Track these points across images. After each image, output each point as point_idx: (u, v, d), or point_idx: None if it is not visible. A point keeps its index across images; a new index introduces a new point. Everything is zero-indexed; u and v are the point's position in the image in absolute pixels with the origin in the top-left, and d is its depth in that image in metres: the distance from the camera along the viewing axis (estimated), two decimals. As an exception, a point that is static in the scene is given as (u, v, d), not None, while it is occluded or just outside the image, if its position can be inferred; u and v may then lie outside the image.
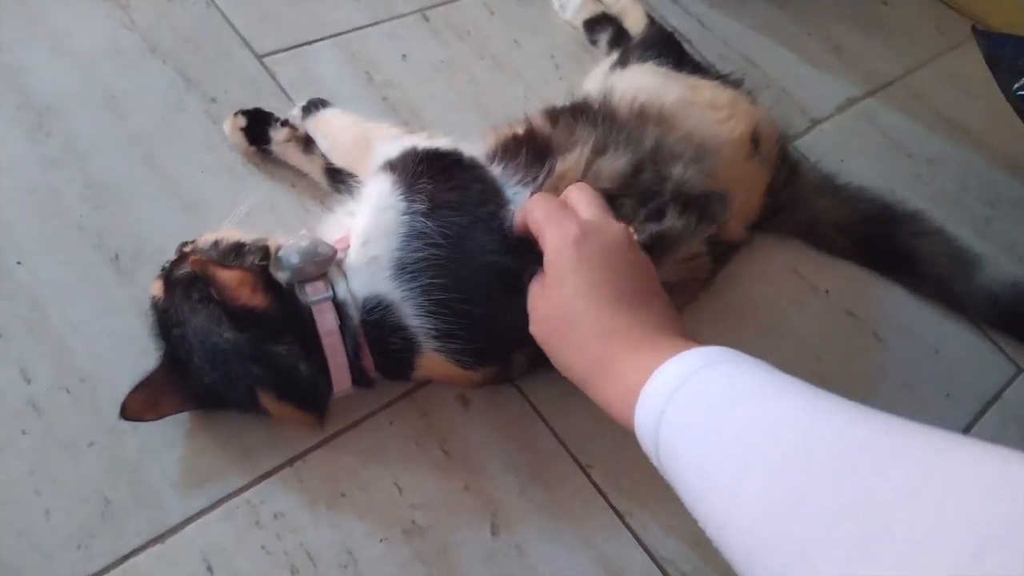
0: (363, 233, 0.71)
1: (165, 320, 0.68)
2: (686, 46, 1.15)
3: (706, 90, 0.92)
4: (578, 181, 0.73)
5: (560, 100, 0.93)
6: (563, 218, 0.66)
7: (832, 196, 0.98)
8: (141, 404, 0.66)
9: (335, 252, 0.70)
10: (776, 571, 0.39)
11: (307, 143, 0.89)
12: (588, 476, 0.79)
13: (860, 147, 1.18)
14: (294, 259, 0.69)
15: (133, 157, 0.88)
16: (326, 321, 0.68)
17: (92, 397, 0.72)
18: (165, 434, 0.71)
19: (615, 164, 0.77)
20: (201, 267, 0.65)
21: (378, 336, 0.70)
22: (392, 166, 0.74)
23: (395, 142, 0.79)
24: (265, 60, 1.00)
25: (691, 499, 0.47)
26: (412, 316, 0.69)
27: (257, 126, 0.89)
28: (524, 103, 1.06)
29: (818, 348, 0.93)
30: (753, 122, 0.89)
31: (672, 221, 0.77)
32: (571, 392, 0.81)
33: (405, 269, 0.68)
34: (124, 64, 0.95)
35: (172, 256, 0.73)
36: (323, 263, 0.69)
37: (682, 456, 0.48)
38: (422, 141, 0.78)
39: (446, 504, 0.74)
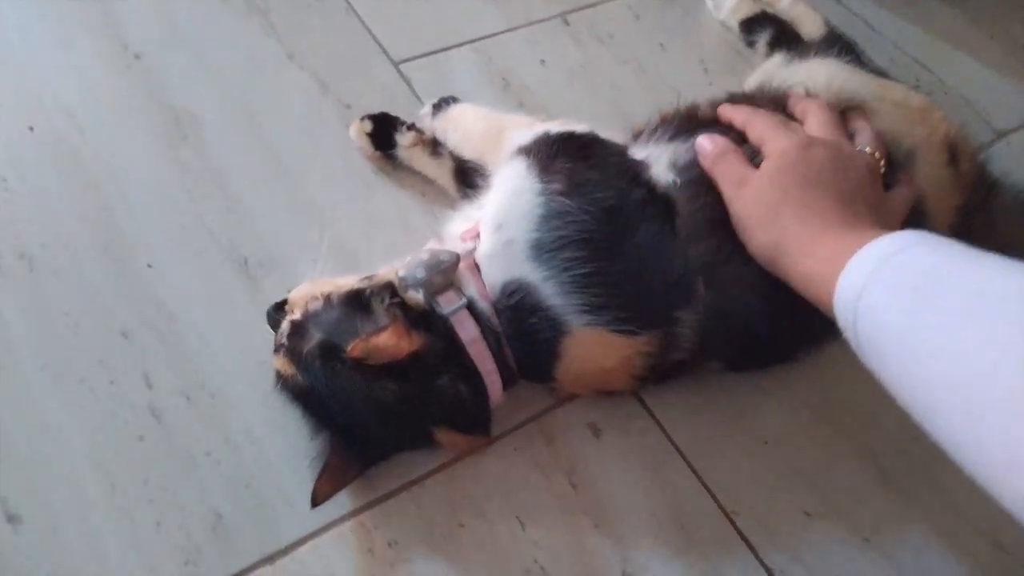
0: (495, 218, 0.68)
1: (313, 398, 0.64)
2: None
3: (897, 89, 0.82)
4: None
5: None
6: (792, 129, 0.68)
7: (1027, 220, 0.85)
8: (329, 489, 0.64)
9: (457, 257, 0.67)
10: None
11: (434, 146, 0.85)
12: (733, 523, 0.71)
13: (1055, 163, 1.03)
14: (420, 274, 0.66)
15: (265, 162, 0.87)
16: (467, 330, 0.65)
17: (211, 406, 0.70)
18: (282, 449, 0.68)
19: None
20: (363, 351, 0.60)
21: (518, 322, 0.66)
22: (526, 150, 0.71)
23: (528, 129, 0.75)
24: (401, 67, 0.98)
25: (892, 374, 0.49)
26: (555, 295, 0.65)
27: (383, 131, 0.86)
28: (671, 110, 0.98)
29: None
30: (949, 132, 0.80)
31: None
32: (716, 426, 0.76)
33: (543, 249, 0.65)
34: (261, 69, 0.94)
35: (277, 324, 0.68)
36: (448, 270, 0.66)
37: (887, 329, 0.49)
38: (556, 126, 0.75)
39: (572, 544, 0.67)
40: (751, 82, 0.91)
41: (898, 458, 0.75)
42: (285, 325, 0.66)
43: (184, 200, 0.82)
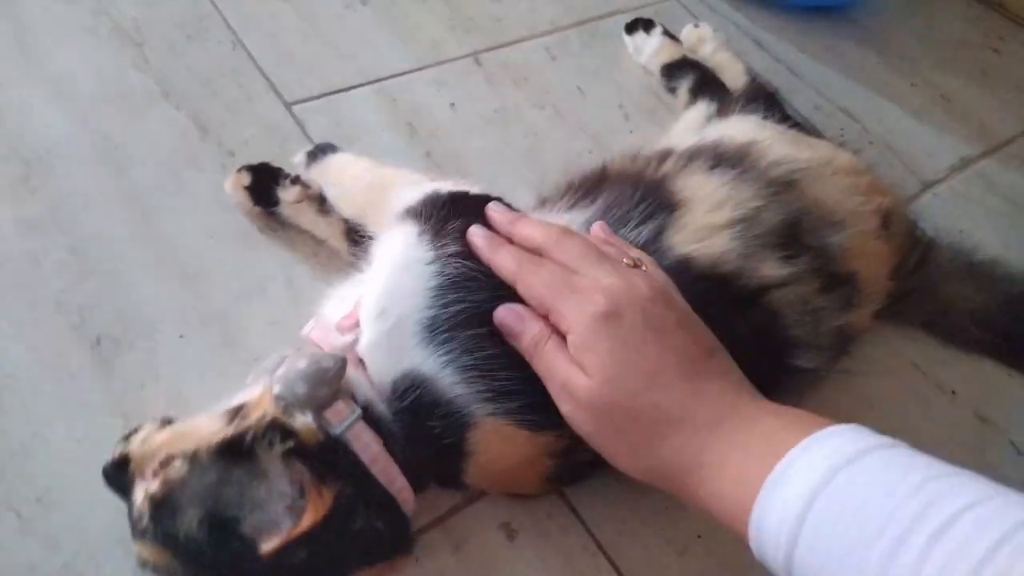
0: (378, 300, 0.58)
1: None
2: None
3: (823, 148, 0.77)
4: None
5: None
6: (573, 287, 0.55)
7: (969, 280, 0.82)
8: None
9: (343, 360, 0.56)
10: None
11: (322, 202, 0.75)
12: None
13: (981, 214, 1.02)
14: (301, 389, 0.53)
15: (130, 218, 0.75)
16: (367, 448, 0.55)
17: (47, 524, 0.58)
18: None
19: (771, 216, 0.64)
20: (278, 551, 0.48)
21: (417, 425, 0.56)
22: (415, 213, 0.63)
23: (416, 188, 0.67)
24: (294, 108, 0.88)
25: None
26: (455, 384, 0.56)
27: (264, 184, 0.76)
28: (588, 158, 0.91)
29: (943, 458, 0.75)
30: (882, 202, 0.75)
31: (813, 297, 0.65)
32: (643, 521, 0.68)
33: (438, 329, 0.56)
34: (131, 109, 0.83)
35: (122, 488, 0.54)
36: (335, 378, 0.55)
37: None
38: (448, 185, 0.67)
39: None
40: (674, 133, 0.85)
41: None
42: (142, 502, 0.51)
43: (27, 266, 0.70)
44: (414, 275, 0.58)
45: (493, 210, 0.62)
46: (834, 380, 0.76)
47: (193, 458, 0.51)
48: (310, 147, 0.79)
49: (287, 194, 0.75)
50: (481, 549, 0.64)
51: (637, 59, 1.05)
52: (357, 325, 0.59)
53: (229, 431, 0.51)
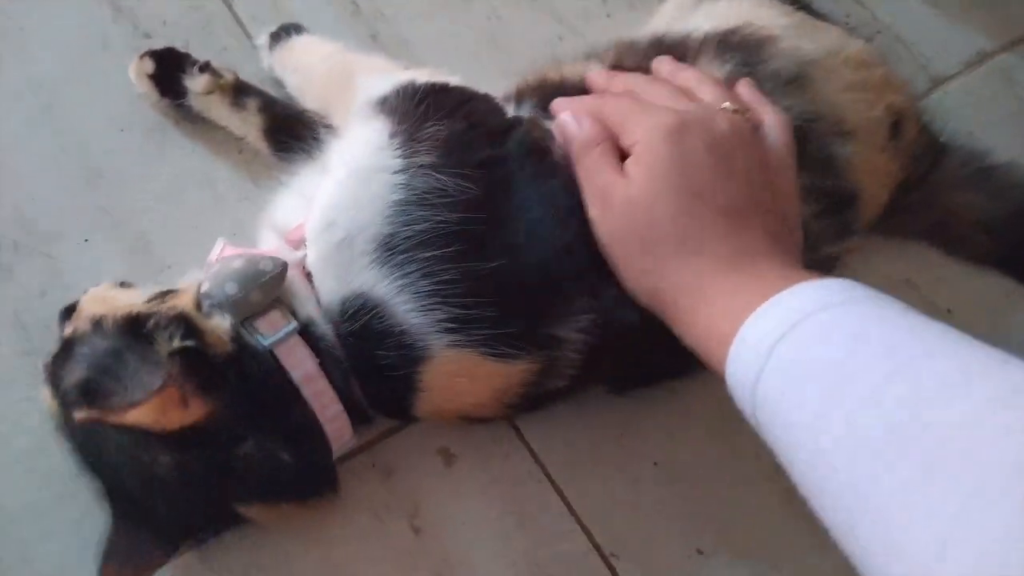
0: (328, 210, 0.53)
1: (78, 447, 0.51)
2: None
3: (831, 34, 0.69)
4: None
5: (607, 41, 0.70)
6: (652, 104, 0.54)
7: (979, 187, 0.74)
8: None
9: (284, 265, 0.52)
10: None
11: (237, 94, 0.68)
12: (612, 568, 0.59)
13: (994, 114, 0.92)
14: (231, 290, 0.51)
15: (29, 109, 0.68)
16: (301, 364, 0.52)
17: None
18: (31, 499, 0.54)
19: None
20: (95, 423, 0.47)
21: (366, 352, 0.52)
22: (385, 106, 0.57)
23: (387, 76, 0.60)
24: (222, -17, 0.78)
25: (799, 474, 0.41)
26: (411, 311, 0.51)
27: (171, 72, 0.68)
28: (558, 47, 0.82)
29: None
30: (897, 95, 0.67)
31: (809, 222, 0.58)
32: (594, 446, 0.64)
33: (395, 248, 0.51)
34: (35, -16, 0.74)
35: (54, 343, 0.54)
36: (271, 284, 0.52)
37: (791, 431, 0.41)
38: (423, 74, 0.60)
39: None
40: (660, 18, 0.75)
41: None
42: (56, 342, 0.53)
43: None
44: (377, 185, 0.52)
45: (593, 75, 0.60)
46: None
47: (98, 323, 0.51)
48: (274, 28, 0.72)
49: (195, 84, 0.67)
50: (414, 476, 0.60)
51: (617, -68, 0.94)
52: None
53: (141, 308, 0.51)
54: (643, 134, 0.52)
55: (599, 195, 0.52)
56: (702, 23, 0.67)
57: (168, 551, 0.52)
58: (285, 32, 0.71)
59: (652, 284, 0.51)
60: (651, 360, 0.59)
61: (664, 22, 0.74)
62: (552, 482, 0.61)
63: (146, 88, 0.69)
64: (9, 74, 0.69)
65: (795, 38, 0.67)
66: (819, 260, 0.62)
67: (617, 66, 0.64)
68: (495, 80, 0.70)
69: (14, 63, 0.70)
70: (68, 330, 0.53)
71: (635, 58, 0.65)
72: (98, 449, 0.49)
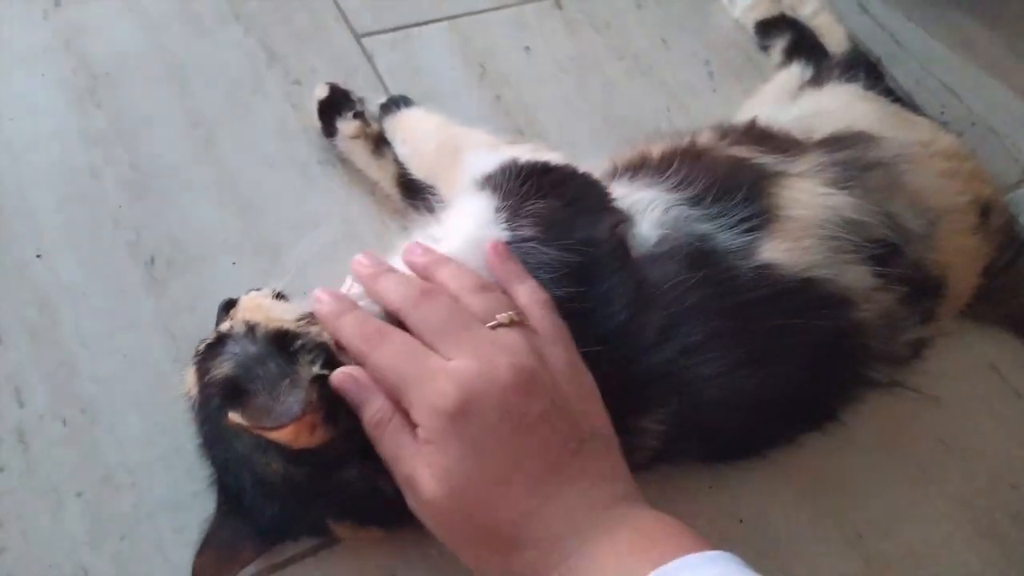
0: None
1: (203, 436, 0.54)
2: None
3: (924, 128, 0.71)
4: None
5: (711, 115, 0.74)
6: (421, 371, 0.49)
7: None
8: (213, 567, 0.53)
9: None
10: None
11: (378, 143, 0.73)
12: None
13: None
14: None
15: (191, 140, 0.74)
16: None
17: (90, 435, 0.59)
18: (169, 497, 0.58)
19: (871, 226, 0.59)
20: (248, 429, 0.48)
21: None
22: (490, 183, 0.61)
23: (491, 152, 0.64)
24: (364, 40, 0.85)
25: None
26: None
27: (334, 107, 0.74)
28: (665, 116, 0.87)
29: (1016, 474, 0.72)
30: (985, 186, 0.70)
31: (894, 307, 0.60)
32: (687, 501, 0.63)
33: None
34: (201, 30, 0.82)
35: (209, 334, 0.56)
36: None
37: None
38: (526, 152, 0.64)
39: None
40: (758, 101, 0.79)
41: (883, 540, 0.66)
42: (212, 334, 0.55)
43: (88, 180, 0.70)
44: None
45: (358, 261, 0.57)
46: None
47: (252, 328, 0.53)
48: (384, 99, 0.76)
49: (346, 127, 0.73)
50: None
51: (730, 12, 0.99)
52: None
53: (288, 326, 0.53)
54: (425, 417, 0.48)
55: (407, 484, 0.49)
56: (817, 107, 0.71)
57: (260, 550, 0.55)
58: (395, 104, 0.74)
59: (497, 571, 0.49)
60: (734, 441, 0.61)
61: (763, 106, 0.78)
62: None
63: (312, 108, 0.74)
64: (172, 105, 0.76)
65: (889, 130, 0.70)
66: (904, 343, 0.65)
67: (709, 149, 0.66)
68: (601, 140, 0.75)
69: (180, 96, 0.76)
70: (225, 325, 0.55)
71: (731, 138, 0.68)
72: (223, 439, 0.52)
